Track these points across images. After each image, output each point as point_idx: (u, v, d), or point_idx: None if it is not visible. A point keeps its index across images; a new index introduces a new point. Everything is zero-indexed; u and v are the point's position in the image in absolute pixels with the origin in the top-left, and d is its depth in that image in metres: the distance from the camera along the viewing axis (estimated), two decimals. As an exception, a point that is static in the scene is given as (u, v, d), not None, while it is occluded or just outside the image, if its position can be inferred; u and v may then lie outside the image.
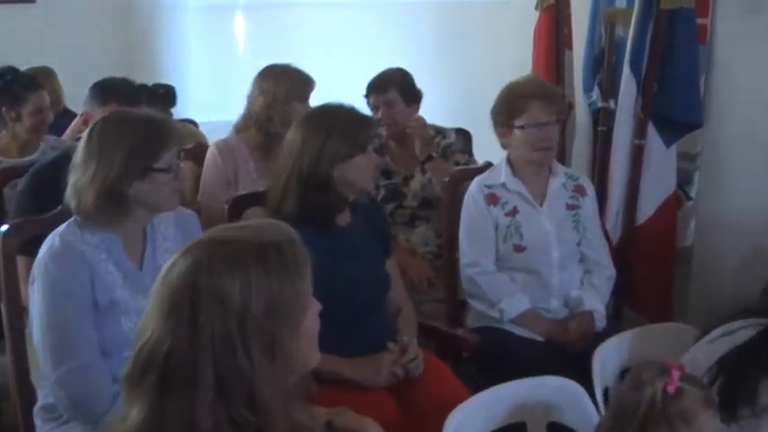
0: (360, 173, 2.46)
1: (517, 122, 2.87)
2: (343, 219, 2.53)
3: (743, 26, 3.25)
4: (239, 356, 1.31)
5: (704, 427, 1.69)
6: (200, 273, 1.34)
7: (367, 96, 3.49)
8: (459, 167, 3.31)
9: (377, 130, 2.62)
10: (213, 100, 5.32)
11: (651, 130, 3.28)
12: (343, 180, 2.44)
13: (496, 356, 2.78)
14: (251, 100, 3.29)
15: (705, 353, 1.99)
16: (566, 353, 2.78)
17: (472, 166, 3.35)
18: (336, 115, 2.48)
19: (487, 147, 3.18)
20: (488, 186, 2.93)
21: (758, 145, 3.18)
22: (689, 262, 3.40)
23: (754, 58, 3.22)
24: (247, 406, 1.31)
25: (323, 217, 2.45)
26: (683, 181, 3.60)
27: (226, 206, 2.77)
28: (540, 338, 2.84)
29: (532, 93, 2.89)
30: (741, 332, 1.97)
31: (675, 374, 1.68)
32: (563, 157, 3.44)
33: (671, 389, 1.67)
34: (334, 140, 2.42)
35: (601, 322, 2.88)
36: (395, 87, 3.45)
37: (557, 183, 2.96)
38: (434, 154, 3.41)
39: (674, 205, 3.38)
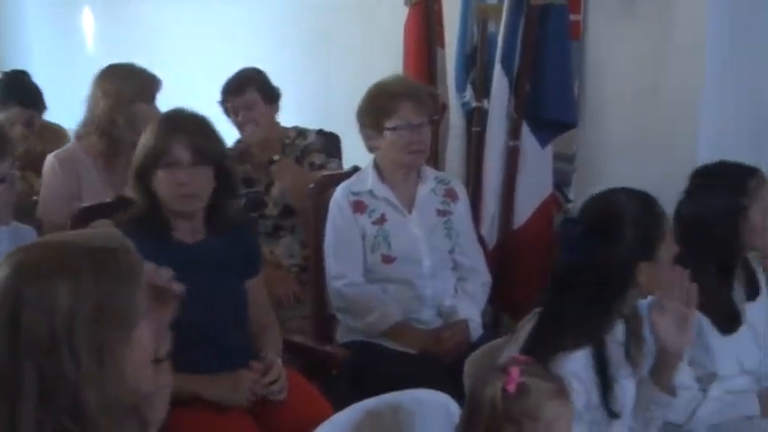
0: (160, 188, 2.43)
1: (387, 124, 2.93)
2: (191, 233, 2.51)
3: (615, 23, 3.43)
4: (65, 360, 1.33)
5: (555, 419, 1.77)
6: (24, 276, 1.36)
7: (223, 101, 3.48)
8: (322, 172, 3.34)
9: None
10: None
11: (525, 130, 3.41)
12: (159, 193, 2.44)
13: (368, 372, 2.83)
14: (92, 103, 3.25)
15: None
16: (440, 364, 2.84)
17: (330, 167, 3.40)
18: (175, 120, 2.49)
19: (361, 150, 3.24)
20: (355, 193, 2.98)
21: (632, 144, 3.36)
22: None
23: (627, 56, 3.40)
24: (72, 415, 1.33)
25: (158, 230, 2.45)
26: (561, 182, 3.75)
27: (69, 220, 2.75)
28: (413, 351, 2.90)
29: (403, 93, 2.96)
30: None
31: (514, 372, 1.75)
32: (436, 160, 3.55)
33: (510, 388, 1.74)
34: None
35: (476, 331, 2.97)
36: (253, 87, 3.46)
37: (426, 188, 3.03)
38: (276, 157, 3.41)
39: (551, 207, 3.52)
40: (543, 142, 3.43)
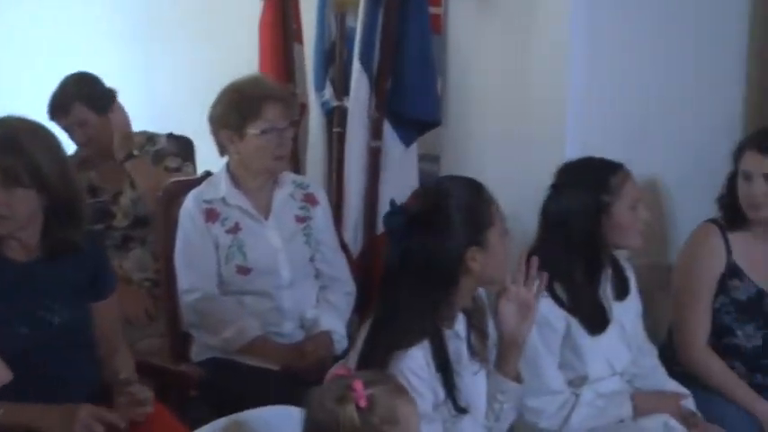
0: None
1: (252, 128, 2.93)
2: (24, 251, 2.45)
3: (478, 16, 3.51)
4: None
5: (409, 415, 1.83)
6: None
7: (52, 120, 3.35)
8: (173, 177, 3.32)
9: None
10: None
11: (388, 129, 3.47)
12: None
13: (227, 392, 2.83)
14: None
15: None
16: (304, 380, 2.82)
17: (187, 171, 3.40)
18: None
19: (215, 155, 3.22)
20: (206, 201, 2.98)
21: (499, 142, 3.45)
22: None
23: (491, 50, 3.49)
24: None
25: None
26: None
27: None
28: (274, 367, 2.92)
29: (269, 95, 2.97)
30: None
31: (358, 386, 1.78)
32: (296, 164, 3.58)
33: (362, 403, 1.77)
34: None
35: (341, 343, 3.02)
36: (79, 102, 3.38)
37: (283, 193, 3.05)
38: (136, 152, 3.38)
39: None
40: (407, 142, 3.50)
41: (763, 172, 2.90)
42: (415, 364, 2.14)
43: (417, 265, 2.17)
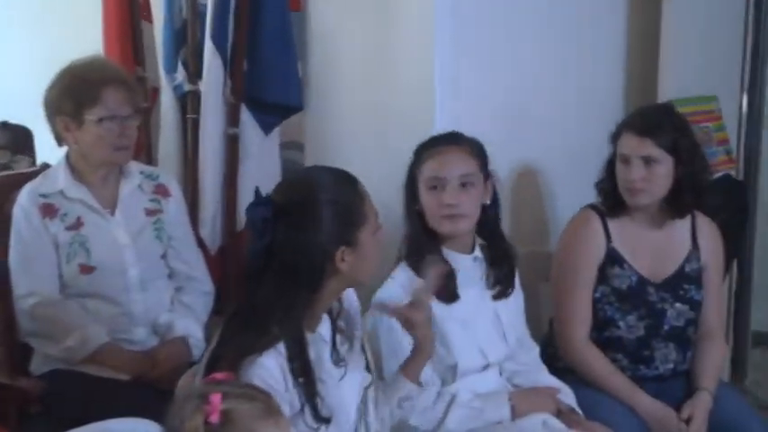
0: None
1: (90, 115, 2.87)
2: None
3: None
4: None
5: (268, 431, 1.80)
6: None
7: None
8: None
9: None
10: None
11: (246, 115, 3.47)
12: None
13: (71, 406, 2.77)
14: None
15: None
16: (158, 390, 2.80)
17: (17, 166, 3.31)
18: None
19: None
20: (43, 195, 2.91)
21: (366, 128, 3.47)
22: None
23: (355, 27, 3.51)
24: None
25: None
26: (294, 174, 3.83)
27: None
28: (125, 377, 2.87)
29: (108, 78, 2.90)
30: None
31: (215, 400, 1.74)
32: (148, 154, 3.53)
33: (214, 419, 1.73)
34: None
35: (198, 349, 2.98)
36: None
37: (130, 185, 3.01)
38: None
39: (281, 202, 3.57)
40: (267, 129, 3.50)
41: (640, 155, 2.98)
42: (267, 373, 2.10)
43: (282, 262, 2.14)
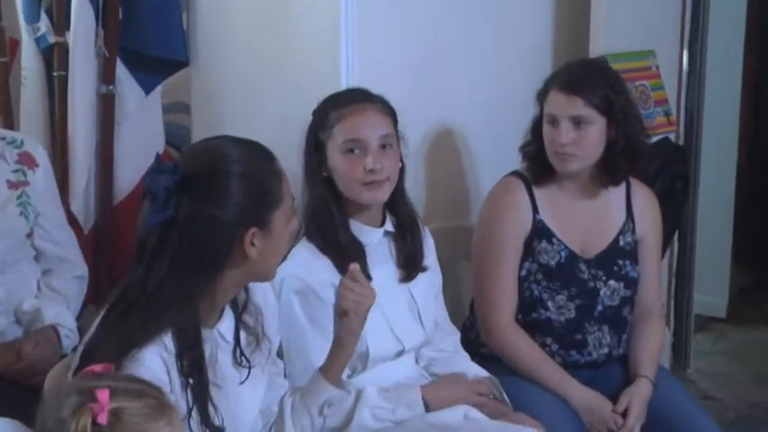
0: None
1: None
2: None
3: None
4: None
5: None
6: None
7: None
8: None
9: None
10: None
11: (122, 72, 3.45)
12: None
13: None
14: None
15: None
16: (23, 385, 2.80)
17: None
18: None
19: None
20: None
21: (262, 85, 3.46)
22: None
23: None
24: None
25: None
26: (181, 140, 3.80)
27: None
28: (-16, 373, 2.85)
29: None
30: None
31: (103, 397, 1.71)
32: (7, 116, 3.48)
33: (102, 419, 1.70)
34: None
35: (70, 339, 2.98)
36: None
37: (-11, 152, 2.97)
38: None
39: (164, 172, 3.55)
40: (147, 87, 3.48)
41: (569, 115, 3.02)
42: (147, 371, 2.04)
43: (182, 240, 2.11)
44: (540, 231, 3.14)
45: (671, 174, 3.97)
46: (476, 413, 2.80)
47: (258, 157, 2.23)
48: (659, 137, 3.99)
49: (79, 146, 3.42)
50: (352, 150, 2.73)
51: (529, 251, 3.14)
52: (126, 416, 1.75)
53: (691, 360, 4.91)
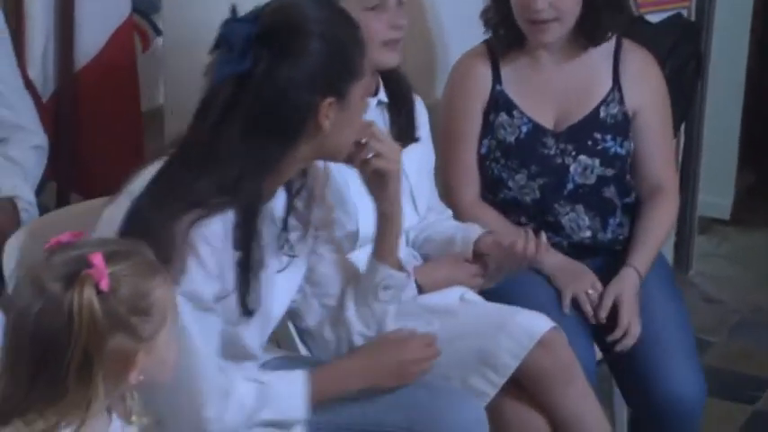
0: None
1: None
2: None
3: None
4: None
5: (166, 303, 1.75)
6: None
7: None
8: None
9: None
10: None
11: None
12: None
13: None
14: None
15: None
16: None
17: None
18: None
19: None
20: None
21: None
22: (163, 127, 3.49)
23: None
24: None
25: None
26: (147, 7, 3.67)
27: None
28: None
29: None
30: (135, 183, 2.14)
31: (99, 261, 1.66)
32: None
33: (105, 285, 1.66)
34: None
35: (29, 213, 2.91)
36: None
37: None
38: None
39: (130, 40, 3.44)
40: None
41: None
42: (211, 232, 2.03)
43: (256, 97, 2.05)
44: (498, 103, 3.03)
45: (683, 52, 3.84)
46: (472, 295, 2.79)
47: (344, 21, 2.18)
48: (671, 12, 3.90)
49: (36, 5, 3.28)
50: (373, 8, 2.65)
51: (487, 126, 3.03)
52: (123, 277, 1.70)
53: (693, 262, 4.87)
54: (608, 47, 3.04)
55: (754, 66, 5.30)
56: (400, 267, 2.39)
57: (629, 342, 2.86)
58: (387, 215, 2.35)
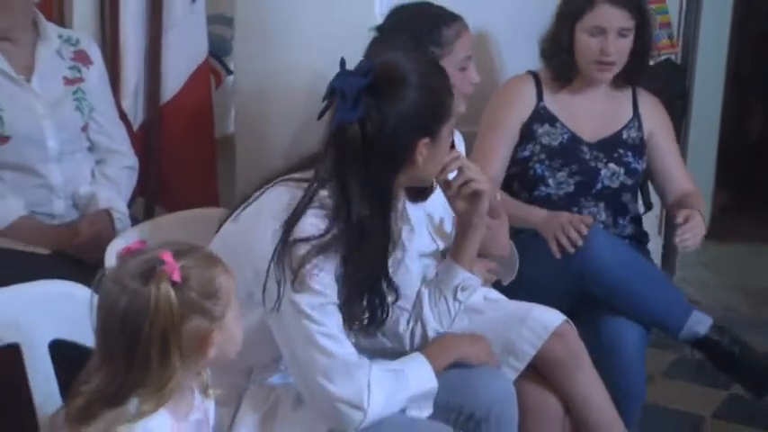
0: None
1: None
2: None
3: None
4: None
5: (229, 287, 1.79)
6: None
7: None
8: None
9: None
10: None
11: (170, -23, 3.31)
12: None
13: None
14: None
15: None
16: (80, 262, 2.73)
17: None
18: None
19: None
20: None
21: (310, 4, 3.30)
22: (233, 152, 3.51)
23: None
24: None
25: None
26: (220, 50, 3.72)
27: None
28: (44, 251, 2.80)
29: None
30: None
31: (168, 258, 1.71)
32: (60, 15, 3.34)
33: (177, 277, 1.70)
34: None
35: (123, 222, 2.93)
36: None
37: (48, 49, 2.89)
38: None
39: (207, 78, 3.48)
40: (191, -5, 3.35)
41: (618, 26, 2.97)
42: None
43: (371, 139, 2.08)
44: (541, 116, 3.10)
45: (671, 92, 3.90)
46: (495, 294, 2.76)
47: (437, 71, 2.23)
48: (663, 57, 3.92)
49: (131, 48, 3.31)
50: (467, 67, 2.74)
51: (530, 135, 3.09)
52: (191, 269, 1.74)
53: (677, 269, 4.87)
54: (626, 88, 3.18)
55: (728, 100, 5.30)
56: (472, 272, 2.41)
57: (687, 238, 2.89)
58: (474, 226, 2.35)
